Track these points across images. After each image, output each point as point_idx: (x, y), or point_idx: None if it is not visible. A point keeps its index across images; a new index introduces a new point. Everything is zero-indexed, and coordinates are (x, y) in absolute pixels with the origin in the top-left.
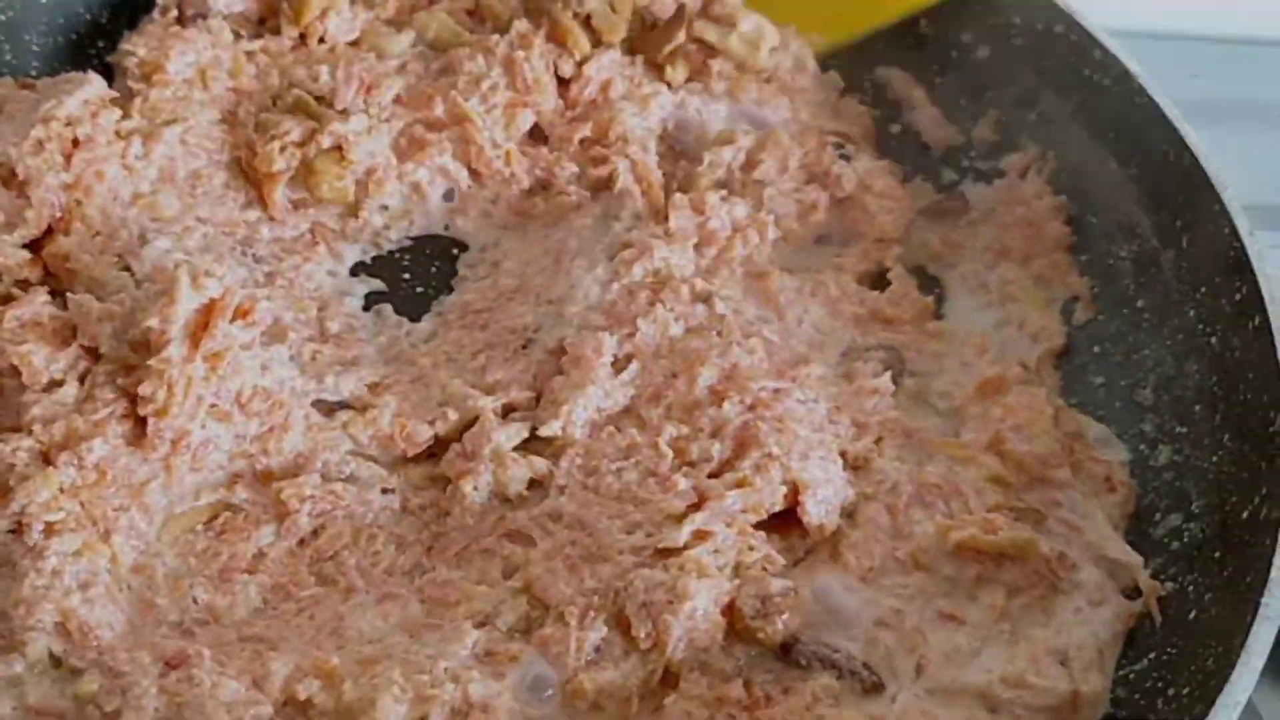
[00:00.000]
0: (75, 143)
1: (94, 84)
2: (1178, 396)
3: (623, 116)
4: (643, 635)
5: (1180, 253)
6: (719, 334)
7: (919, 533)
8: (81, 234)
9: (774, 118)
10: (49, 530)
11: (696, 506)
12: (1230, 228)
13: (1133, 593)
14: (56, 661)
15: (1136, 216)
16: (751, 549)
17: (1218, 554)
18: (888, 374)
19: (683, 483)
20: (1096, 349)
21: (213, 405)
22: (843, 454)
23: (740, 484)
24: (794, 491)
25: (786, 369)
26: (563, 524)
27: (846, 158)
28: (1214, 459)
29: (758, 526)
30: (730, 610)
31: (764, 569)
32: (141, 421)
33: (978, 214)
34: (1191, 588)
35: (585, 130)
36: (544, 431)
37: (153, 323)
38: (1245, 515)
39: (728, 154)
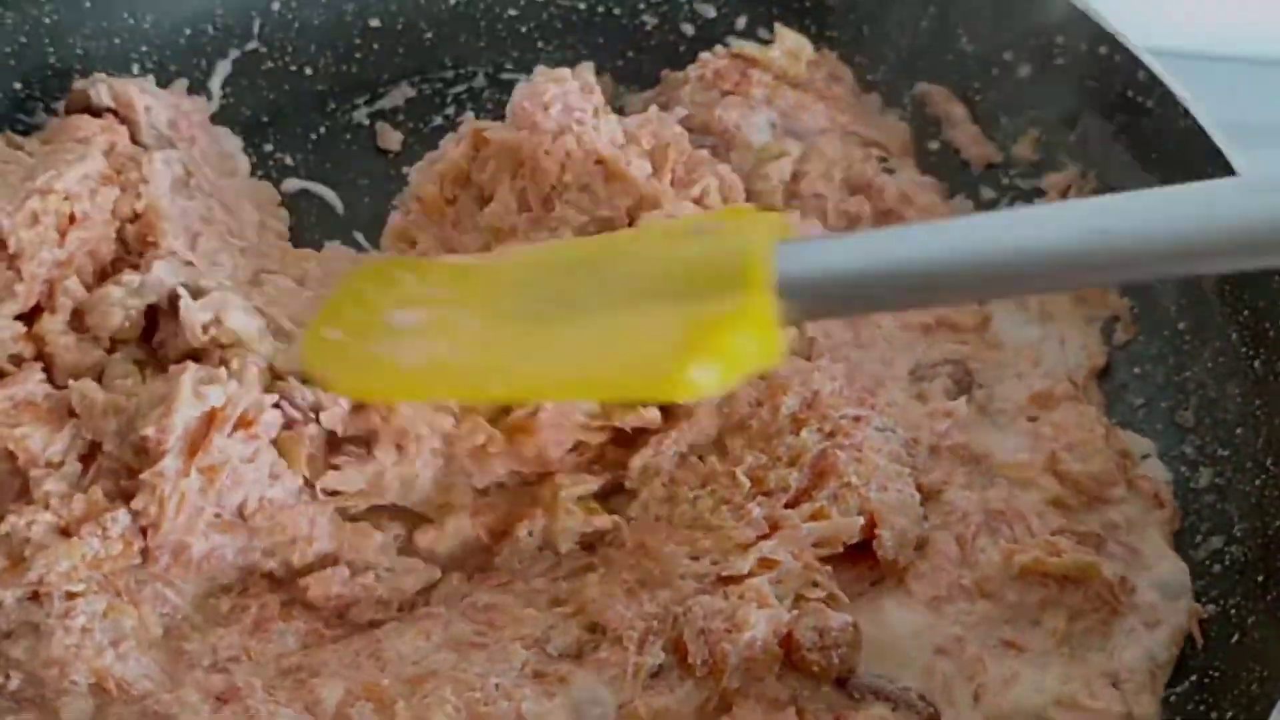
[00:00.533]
0: (71, 219)
1: (94, 159)
2: (1219, 419)
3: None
4: (699, 662)
5: (1223, 275)
6: (808, 358)
7: (984, 560)
8: (66, 312)
9: (812, 124)
10: (70, 597)
11: (767, 535)
12: None
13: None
14: None
15: None
16: (816, 584)
17: (1260, 577)
18: (962, 399)
19: (756, 511)
20: (1137, 370)
21: (215, 516)
22: (919, 486)
23: (816, 515)
24: (870, 524)
25: (866, 396)
26: (625, 550)
27: (890, 170)
28: (1256, 482)
29: (827, 560)
30: (788, 641)
31: (825, 603)
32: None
33: None
34: (1234, 610)
35: None
36: (634, 463)
37: (149, 432)
38: None
39: (781, 169)
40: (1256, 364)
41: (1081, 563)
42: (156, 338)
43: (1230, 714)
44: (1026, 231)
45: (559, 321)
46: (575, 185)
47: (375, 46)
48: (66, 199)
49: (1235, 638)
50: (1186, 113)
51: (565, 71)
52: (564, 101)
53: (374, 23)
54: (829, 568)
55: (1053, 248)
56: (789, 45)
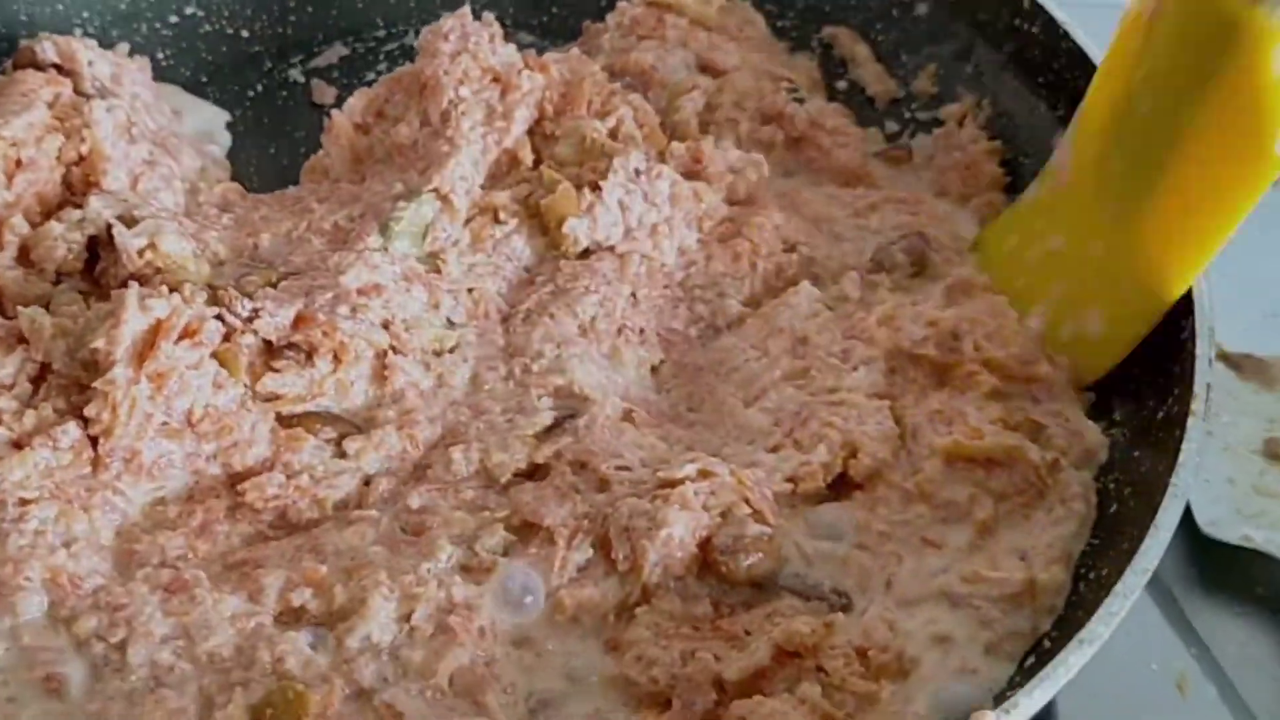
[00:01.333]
0: (18, 163)
1: (38, 109)
2: None
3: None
4: (621, 558)
5: None
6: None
7: (925, 463)
8: (13, 249)
9: (725, 62)
10: (22, 504)
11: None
12: None
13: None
14: (51, 616)
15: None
16: (747, 501)
17: (1136, 453)
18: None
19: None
20: None
21: (163, 424)
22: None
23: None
24: (850, 454)
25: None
26: (564, 463)
27: (800, 100)
28: (1134, 369)
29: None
30: (705, 545)
31: (751, 518)
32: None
33: (920, 160)
34: (1113, 485)
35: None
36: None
37: (99, 344)
38: (1160, 416)
39: (694, 100)
40: None
41: (1004, 445)
42: (98, 268)
43: (1105, 571)
44: None
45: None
46: (473, 101)
47: (309, 9)
48: (14, 145)
49: (1113, 508)
50: (1067, 35)
51: (466, 8)
52: (462, 29)
53: None
54: (770, 493)
55: None
56: None
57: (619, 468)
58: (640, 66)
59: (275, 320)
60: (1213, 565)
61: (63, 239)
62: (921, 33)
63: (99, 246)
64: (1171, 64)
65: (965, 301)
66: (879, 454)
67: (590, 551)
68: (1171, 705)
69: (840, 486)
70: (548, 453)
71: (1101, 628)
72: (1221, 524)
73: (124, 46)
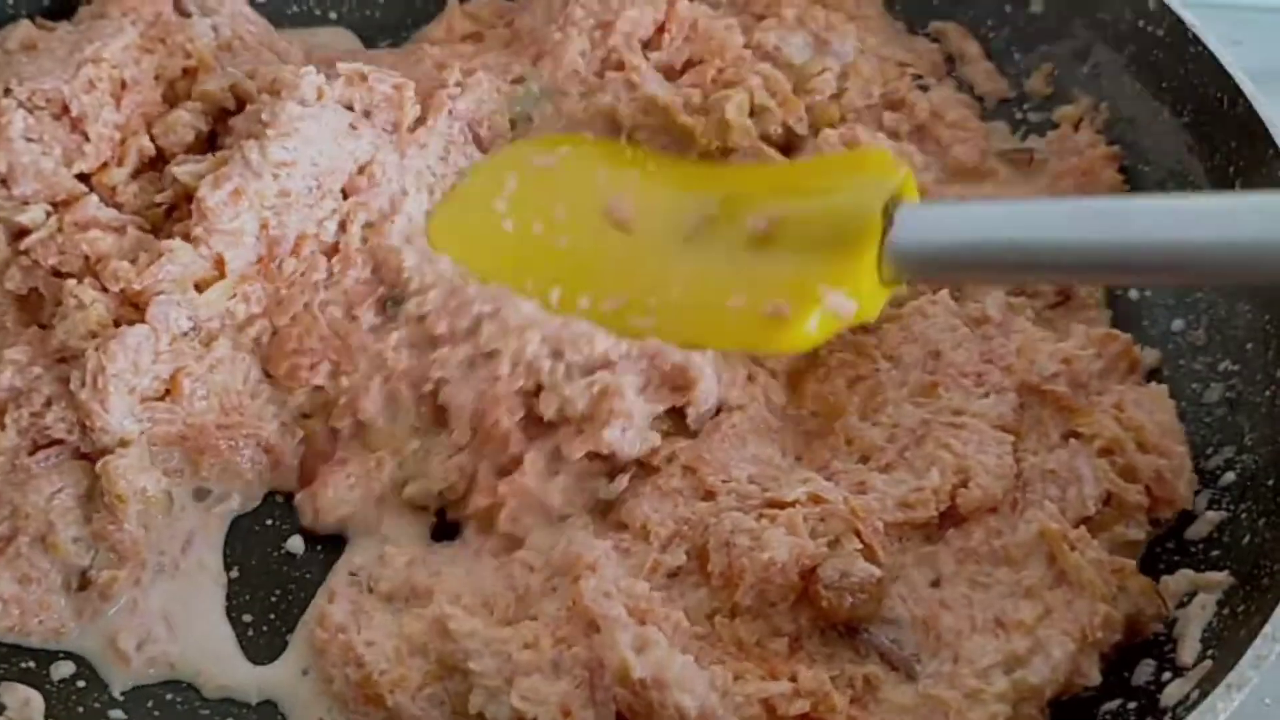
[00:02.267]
0: (123, 84)
1: (129, 31)
2: (1230, 336)
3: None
4: (716, 572)
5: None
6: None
7: (1022, 527)
8: (134, 166)
9: (845, 46)
10: None
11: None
12: None
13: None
14: None
15: (1189, 164)
16: (858, 534)
17: (1271, 481)
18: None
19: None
20: (1148, 292)
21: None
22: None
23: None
24: (962, 483)
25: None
26: (674, 465)
27: (924, 88)
28: (1266, 393)
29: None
30: (809, 575)
31: (861, 553)
32: None
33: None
34: (1244, 515)
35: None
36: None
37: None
38: None
39: (827, 83)
40: None
41: (1084, 576)
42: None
43: (1243, 608)
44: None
45: (681, 254)
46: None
47: None
48: (115, 67)
49: (1246, 540)
50: (1196, 39)
51: None
52: None
53: None
54: (881, 525)
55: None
56: None
57: (725, 480)
58: (764, 49)
59: None
60: None
61: (190, 125)
62: (1036, 31)
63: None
64: (806, 214)
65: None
66: (991, 489)
67: (684, 558)
68: None
69: (943, 521)
70: (664, 453)
71: (1251, 671)
72: None
73: None
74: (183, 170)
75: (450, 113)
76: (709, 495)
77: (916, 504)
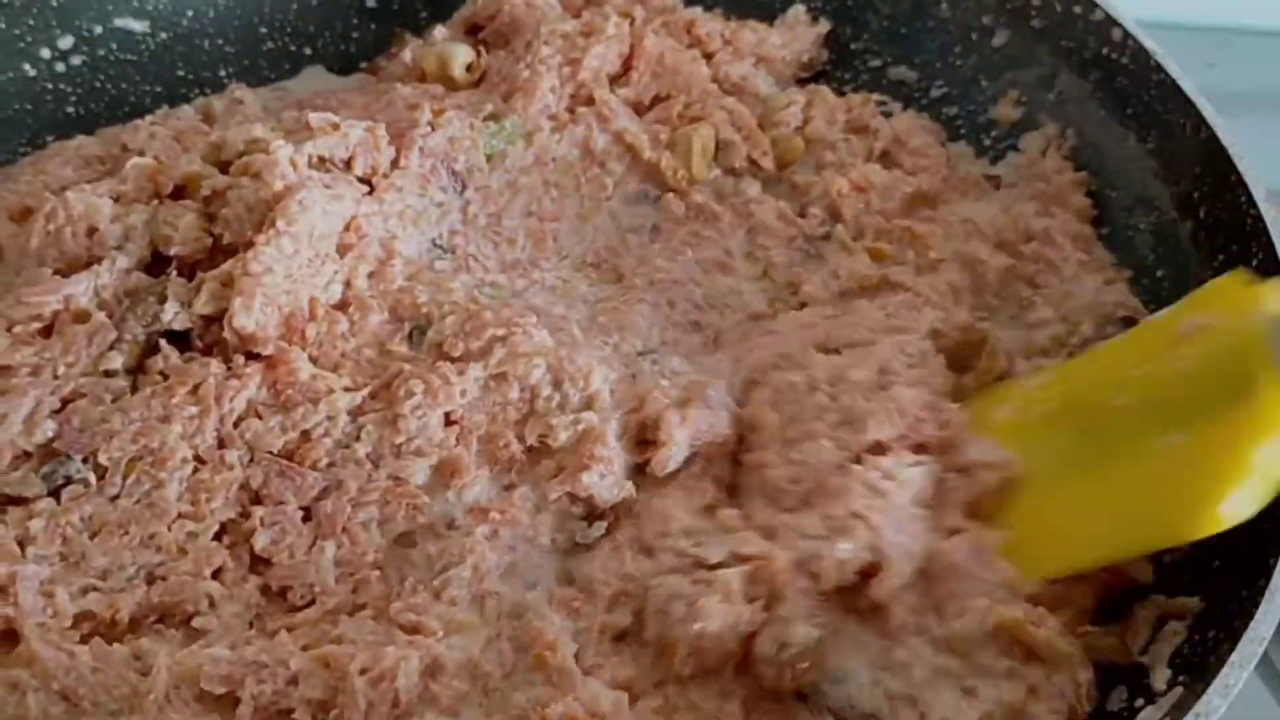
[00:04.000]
0: None
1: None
2: None
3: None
4: (653, 639)
5: (1198, 223)
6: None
7: (962, 619)
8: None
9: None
10: None
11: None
12: (1247, 197)
13: None
14: None
15: (1155, 189)
16: (786, 600)
17: None
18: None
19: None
20: None
21: None
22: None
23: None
24: (875, 568)
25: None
26: (632, 513)
27: (888, 114)
28: None
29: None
30: (749, 642)
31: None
32: None
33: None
34: (1215, 540)
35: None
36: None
37: None
38: None
39: (793, 115)
40: None
41: (1057, 650)
42: None
43: (1213, 634)
44: None
45: (1068, 477)
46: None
47: None
48: None
49: (1217, 564)
50: (1159, 67)
51: None
52: None
53: None
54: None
55: None
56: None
57: (663, 535)
58: (730, 80)
59: None
60: None
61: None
62: (1002, 59)
63: None
64: (1175, 378)
65: None
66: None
67: (629, 619)
68: None
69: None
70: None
71: (1219, 700)
72: None
73: None
74: (201, 302)
75: (421, 150)
76: (647, 551)
77: (821, 572)
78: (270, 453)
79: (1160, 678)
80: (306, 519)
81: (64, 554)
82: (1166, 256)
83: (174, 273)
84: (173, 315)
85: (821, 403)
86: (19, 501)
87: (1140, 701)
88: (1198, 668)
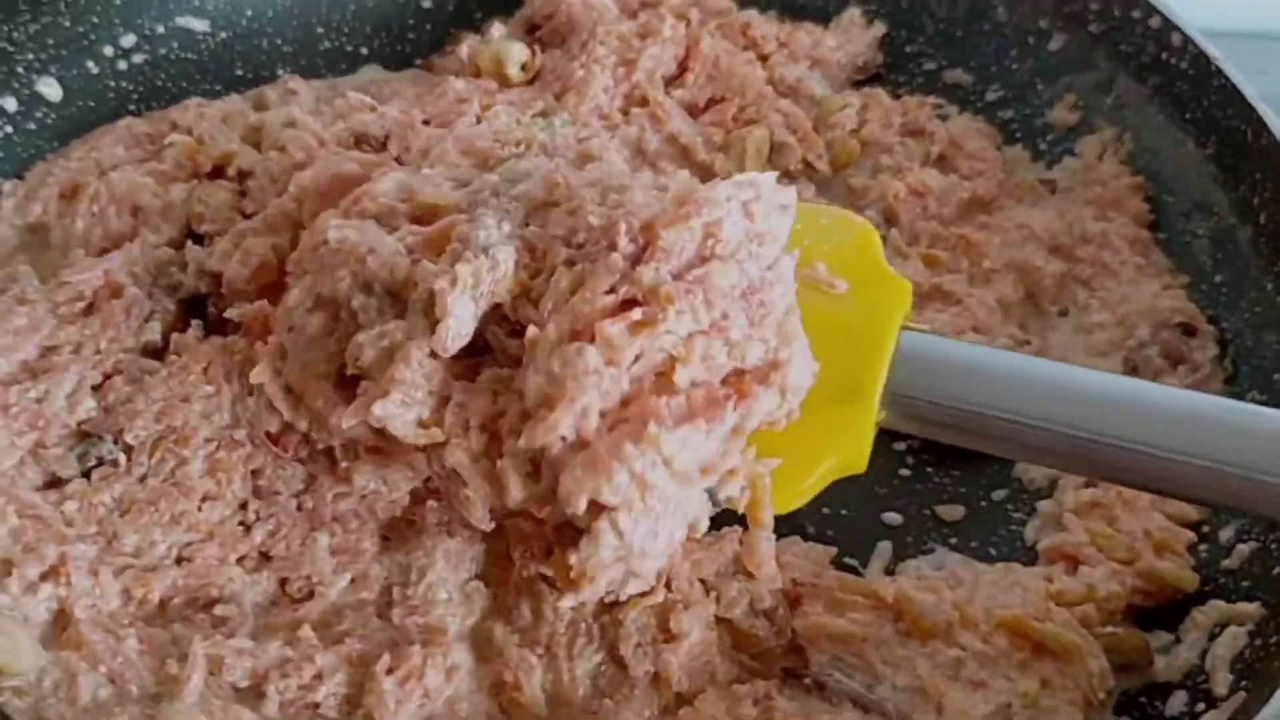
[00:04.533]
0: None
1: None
2: (1257, 367)
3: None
4: (641, 674)
5: (1258, 228)
6: None
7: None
8: None
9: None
10: None
11: None
12: None
13: None
14: None
15: (1214, 195)
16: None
17: None
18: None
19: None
20: None
21: None
22: None
23: None
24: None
25: None
26: None
27: (944, 117)
28: None
29: None
30: (729, 628)
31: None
32: None
33: (1059, 193)
34: (1275, 546)
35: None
36: None
37: None
38: None
39: (849, 117)
40: None
41: (1065, 641)
42: None
43: (1275, 639)
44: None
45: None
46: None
47: None
48: None
49: (1278, 570)
50: (1220, 72)
51: None
52: None
53: None
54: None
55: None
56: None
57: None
58: (786, 83)
59: None
60: None
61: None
62: (1059, 64)
63: None
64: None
65: None
66: None
67: (598, 657)
68: None
69: None
70: None
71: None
72: None
73: None
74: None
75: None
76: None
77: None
78: (267, 432)
79: (1221, 682)
80: (299, 509)
81: (100, 533)
82: (1224, 262)
83: (190, 241)
84: (192, 282)
85: None
86: (56, 484)
87: (1201, 706)
88: (1261, 673)
